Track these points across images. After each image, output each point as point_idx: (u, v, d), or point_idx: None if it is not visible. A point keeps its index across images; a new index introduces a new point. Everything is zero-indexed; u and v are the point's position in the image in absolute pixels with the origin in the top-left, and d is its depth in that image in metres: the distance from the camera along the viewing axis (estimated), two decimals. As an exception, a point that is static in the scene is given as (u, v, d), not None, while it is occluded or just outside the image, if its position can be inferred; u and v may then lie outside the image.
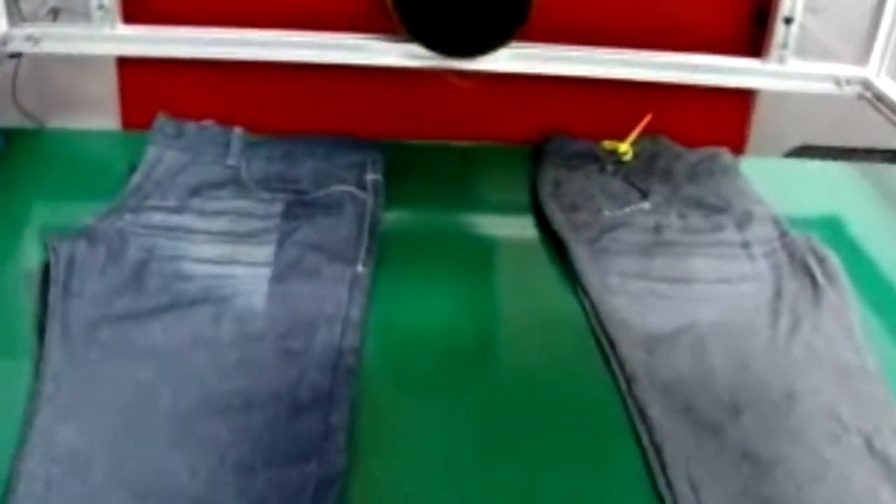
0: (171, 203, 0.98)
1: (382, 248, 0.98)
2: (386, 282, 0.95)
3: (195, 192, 1.00)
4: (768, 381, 0.85)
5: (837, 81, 1.23)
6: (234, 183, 1.03)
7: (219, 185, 1.02)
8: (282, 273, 0.91)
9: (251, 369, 0.81)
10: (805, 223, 1.07)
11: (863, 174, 1.27)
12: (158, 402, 0.77)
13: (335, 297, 0.89)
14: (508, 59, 1.17)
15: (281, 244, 0.95)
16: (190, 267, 0.91)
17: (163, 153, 1.04)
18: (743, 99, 1.30)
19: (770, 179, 1.17)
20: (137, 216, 0.95)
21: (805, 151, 1.74)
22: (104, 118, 1.27)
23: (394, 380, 0.85)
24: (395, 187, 1.07)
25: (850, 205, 1.19)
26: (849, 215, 1.16)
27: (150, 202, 0.98)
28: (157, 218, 0.96)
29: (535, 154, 1.18)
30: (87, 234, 0.91)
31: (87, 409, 0.75)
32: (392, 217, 1.04)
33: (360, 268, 0.94)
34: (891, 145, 1.46)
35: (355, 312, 0.88)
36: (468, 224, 1.10)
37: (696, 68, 1.22)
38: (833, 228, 1.13)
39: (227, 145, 1.07)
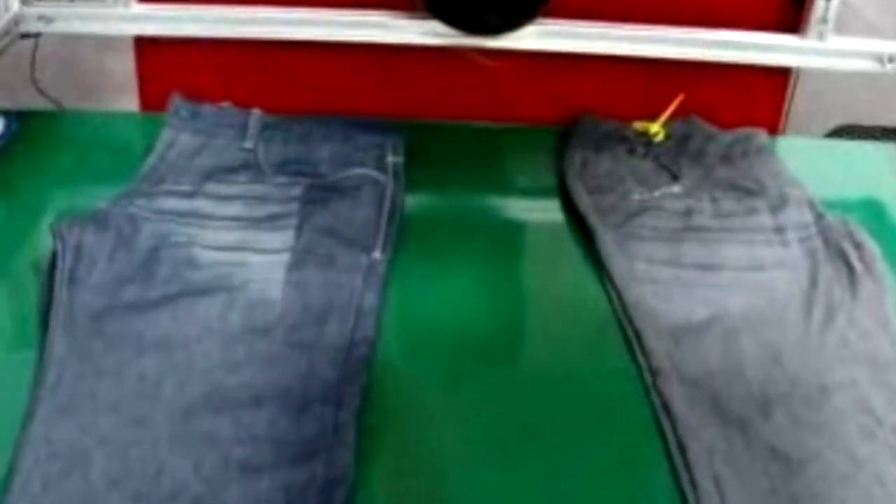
0: (185, 187, 0.96)
1: (402, 234, 0.95)
2: (404, 269, 0.92)
3: (209, 175, 0.98)
4: (800, 375, 0.81)
5: (880, 59, 1.18)
6: (250, 167, 1.01)
7: (234, 169, 1.00)
8: (296, 261, 0.88)
9: (259, 362, 0.79)
10: (843, 206, 1.03)
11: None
12: (162, 396, 0.74)
13: (349, 286, 0.87)
14: (534, 37, 1.13)
15: (297, 230, 0.92)
16: (202, 254, 0.89)
17: (177, 136, 1.02)
18: (780, 78, 1.25)
19: (807, 161, 1.13)
20: (150, 201, 0.93)
21: (846, 131, 1.69)
22: (125, 100, 1.25)
23: (409, 373, 0.82)
24: (417, 169, 1.04)
25: (890, 187, 1.14)
26: (889, 198, 1.11)
27: (164, 186, 0.95)
28: (170, 203, 0.93)
29: (563, 136, 1.14)
30: (97, 220, 0.88)
31: (88, 403, 0.73)
32: (413, 200, 1.01)
33: (377, 254, 0.91)
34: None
35: (370, 302, 0.85)
36: (491, 208, 1.07)
37: (730, 45, 1.17)
38: (872, 212, 1.08)
39: (243, 128, 1.04)
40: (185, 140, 1.01)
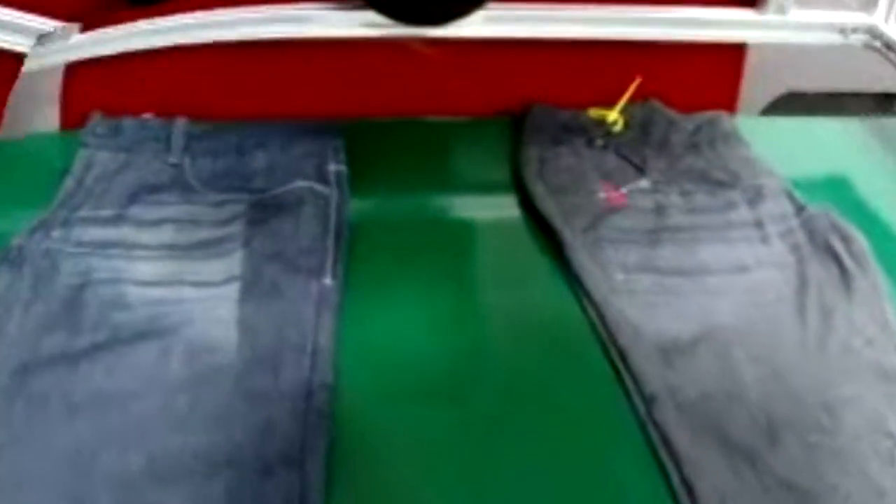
0: (107, 212, 0.85)
1: (352, 251, 0.86)
2: (358, 294, 0.82)
3: (133, 198, 0.87)
4: (803, 392, 0.74)
5: (843, 30, 1.11)
6: (179, 184, 0.90)
7: (160, 187, 0.89)
8: (239, 294, 0.79)
9: (208, 418, 0.69)
10: (812, 189, 0.96)
11: (867, 129, 1.16)
12: (98, 468, 0.65)
13: (300, 320, 0.77)
14: (479, 23, 1.03)
15: (236, 257, 0.82)
16: (131, 291, 0.78)
17: (94, 155, 0.91)
18: (736, 54, 1.18)
19: (769, 142, 1.06)
20: (68, 231, 0.82)
21: (791, 99, 1.63)
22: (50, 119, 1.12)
23: (373, 420, 0.72)
24: (361, 176, 0.94)
25: (855, 165, 1.07)
26: (856, 177, 1.05)
27: (82, 213, 0.85)
28: (91, 232, 0.83)
29: (515, 127, 1.05)
30: (10, 259, 0.78)
31: (12, 480, 0.63)
32: (360, 212, 0.91)
33: (327, 280, 0.81)
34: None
35: (325, 339, 0.76)
36: (445, 215, 0.98)
37: (686, 23, 1.09)
38: (841, 194, 1.02)
39: (167, 140, 0.93)
40: (105, 159, 0.91)
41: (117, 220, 0.85)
